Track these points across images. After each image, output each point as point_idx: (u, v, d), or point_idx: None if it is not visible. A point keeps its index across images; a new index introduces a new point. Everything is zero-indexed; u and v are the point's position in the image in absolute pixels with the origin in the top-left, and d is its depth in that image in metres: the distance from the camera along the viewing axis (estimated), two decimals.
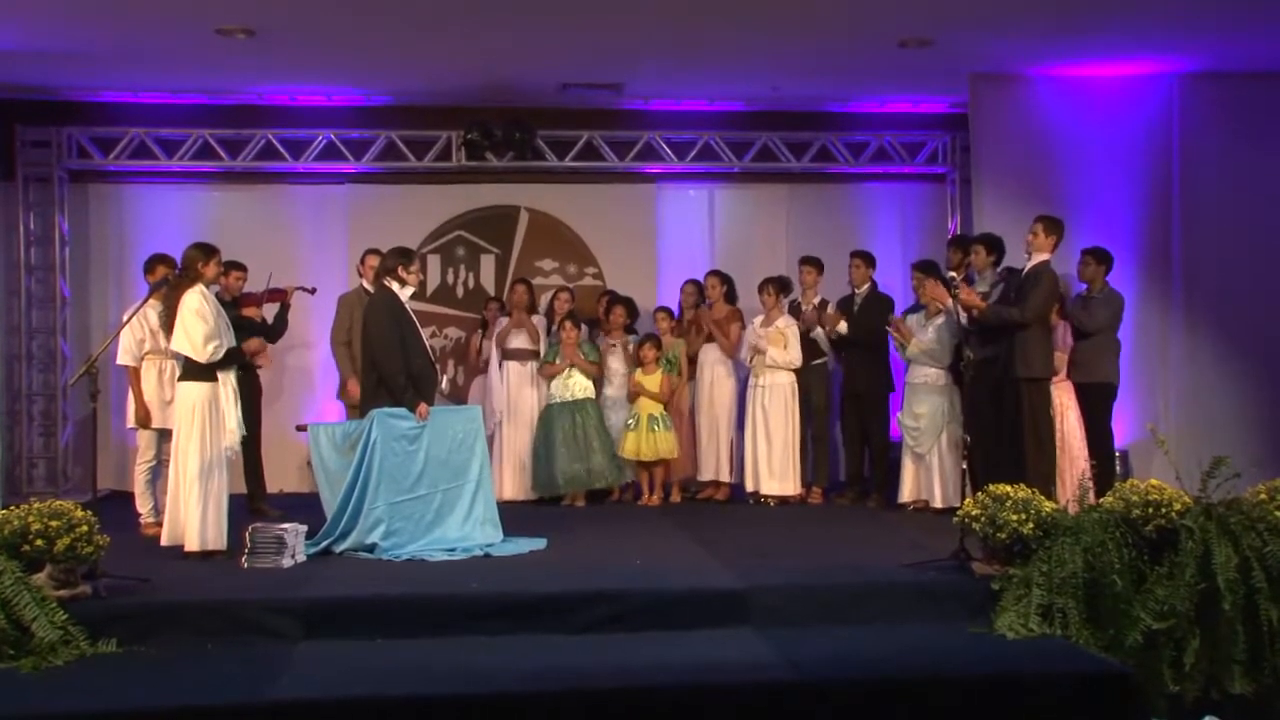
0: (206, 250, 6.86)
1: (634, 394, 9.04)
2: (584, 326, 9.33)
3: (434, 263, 10.35)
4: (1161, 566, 5.58)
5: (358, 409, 7.55)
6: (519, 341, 9.20)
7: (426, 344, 7.39)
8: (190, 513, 6.53)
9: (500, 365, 9.24)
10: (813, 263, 9.13)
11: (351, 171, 10.28)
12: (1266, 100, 9.11)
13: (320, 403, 10.16)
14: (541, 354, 9.19)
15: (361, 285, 8.78)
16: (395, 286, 7.19)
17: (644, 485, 9.11)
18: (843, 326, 8.80)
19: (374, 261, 8.40)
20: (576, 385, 8.98)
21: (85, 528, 5.47)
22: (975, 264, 8.36)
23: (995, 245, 8.35)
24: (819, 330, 8.98)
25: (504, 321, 9.30)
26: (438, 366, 9.89)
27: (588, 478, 8.89)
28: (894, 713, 4.86)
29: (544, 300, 9.98)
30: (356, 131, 10.17)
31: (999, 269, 8.28)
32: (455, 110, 10.13)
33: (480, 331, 9.68)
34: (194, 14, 7.69)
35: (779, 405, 8.85)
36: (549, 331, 9.32)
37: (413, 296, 7.48)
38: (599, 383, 9.19)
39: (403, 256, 7.26)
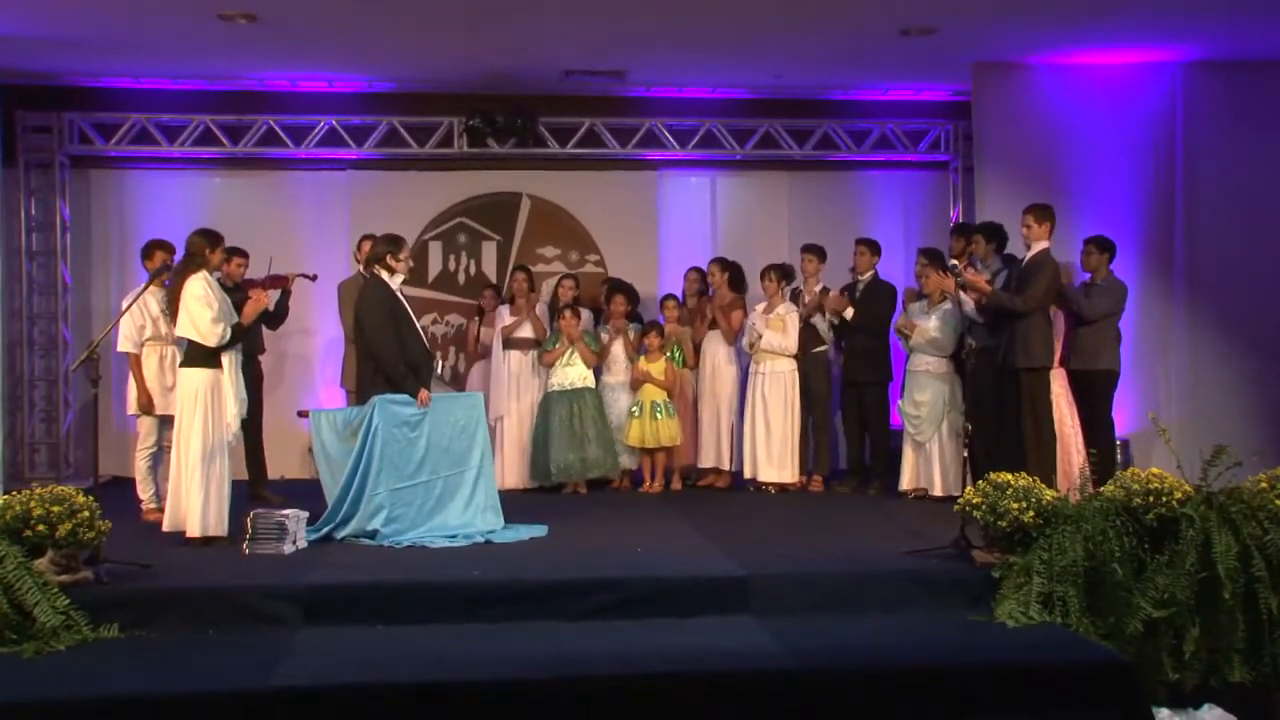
0: (211, 237, 6.86)
1: (638, 381, 9.04)
2: (586, 314, 9.32)
3: (435, 249, 10.35)
4: (1162, 555, 5.58)
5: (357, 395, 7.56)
6: (524, 332, 9.17)
7: (420, 331, 7.37)
8: (192, 499, 6.53)
9: (504, 355, 9.21)
10: (814, 251, 9.12)
11: (353, 158, 10.27)
12: (1269, 89, 9.09)
13: (321, 389, 10.17)
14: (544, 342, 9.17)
15: (359, 271, 8.78)
16: (385, 275, 7.17)
17: (645, 472, 9.12)
18: (849, 312, 8.79)
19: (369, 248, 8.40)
20: (575, 374, 8.97)
21: (87, 513, 5.48)
22: (976, 253, 8.37)
23: (995, 234, 8.35)
24: (818, 317, 8.97)
25: (505, 311, 9.27)
26: (437, 354, 9.94)
27: (581, 467, 8.89)
28: (893, 701, 4.87)
29: (545, 288, 10.00)
30: (358, 118, 10.17)
31: (1001, 256, 8.29)
32: (457, 97, 10.13)
33: (478, 319, 9.67)
34: None
35: (779, 393, 8.85)
36: (552, 320, 9.30)
37: (414, 283, 7.47)
38: (599, 371, 9.18)
39: (391, 244, 7.23)
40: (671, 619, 5.56)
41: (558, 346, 8.99)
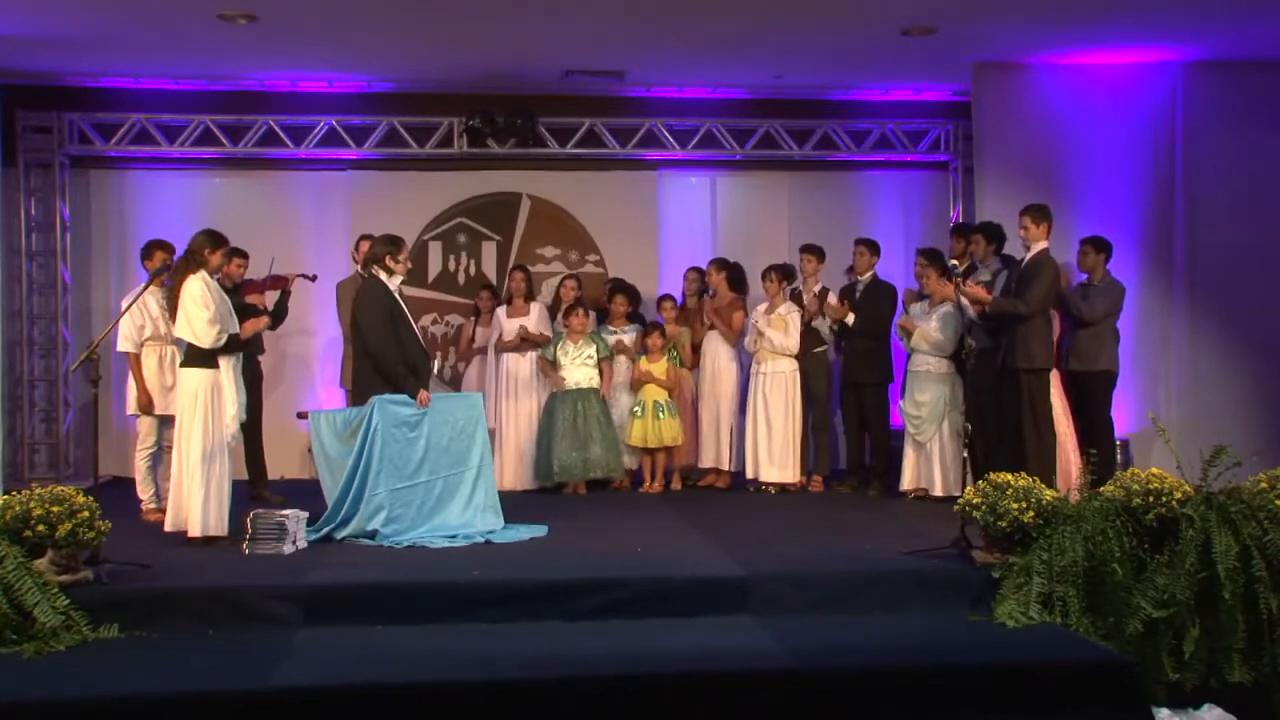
0: (215, 239, 6.85)
1: (640, 381, 9.03)
2: (592, 314, 9.31)
3: (435, 249, 10.35)
4: (1162, 555, 5.57)
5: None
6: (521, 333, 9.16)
7: (418, 332, 7.36)
8: (193, 499, 6.53)
9: (499, 358, 9.21)
10: (813, 251, 9.11)
11: (353, 158, 10.27)
12: (1269, 88, 9.08)
13: (321, 389, 10.17)
14: (549, 339, 9.14)
15: (357, 272, 8.78)
16: (383, 276, 7.16)
17: (646, 472, 9.12)
18: (850, 319, 8.79)
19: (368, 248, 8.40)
20: (582, 374, 8.94)
21: (87, 513, 5.48)
22: (975, 253, 8.37)
23: (994, 234, 8.36)
24: (820, 319, 8.96)
25: (502, 312, 9.23)
26: (437, 354, 9.93)
27: (584, 468, 8.87)
28: (893, 701, 4.87)
29: (544, 287, 10.01)
30: (358, 118, 10.16)
31: (1000, 257, 8.30)
32: (457, 96, 10.13)
33: (473, 319, 9.67)
34: None
35: (780, 393, 8.85)
36: (553, 319, 9.29)
37: (414, 283, 7.46)
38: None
39: (390, 245, 7.21)
40: (671, 619, 5.56)
41: (563, 345, 8.95)
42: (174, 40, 8.68)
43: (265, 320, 7.43)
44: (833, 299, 8.92)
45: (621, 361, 9.22)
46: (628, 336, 9.24)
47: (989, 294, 7.77)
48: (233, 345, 6.70)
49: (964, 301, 8.01)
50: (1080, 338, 8.01)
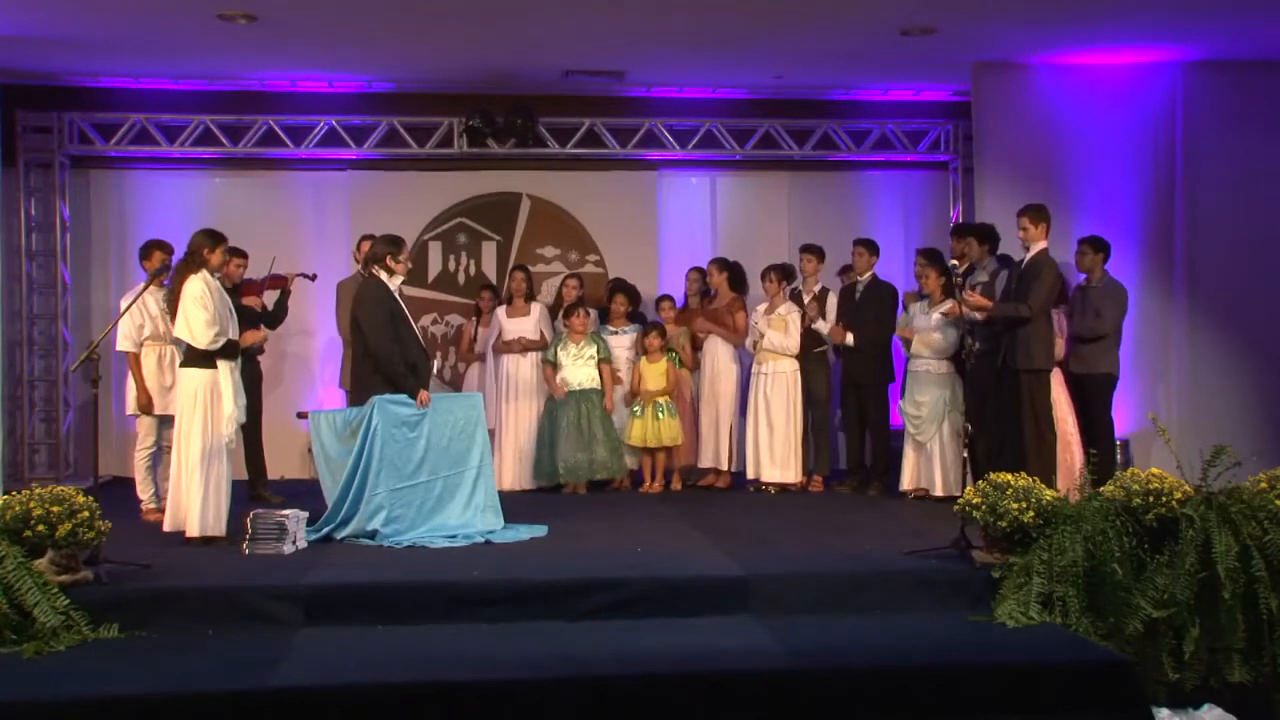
0: (214, 237, 6.85)
1: (639, 382, 9.03)
2: (593, 313, 9.31)
3: (435, 249, 10.36)
4: (1162, 555, 5.57)
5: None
6: (520, 333, 9.15)
7: (417, 332, 7.36)
8: (192, 499, 6.52)
9: (499, 358, 9.21)
10: (813, 251, 9.11)
11: (353, 158, 10.27)
12: (1269, 89, 9.09)
13: (321, 389, 10.18)
14: (548, 340, 9.14)
15: (358, 271, 8.78)
16: (384, 276, 7.16)
17: (646, 472, 9.12)
18: (849, 339, 8.76)
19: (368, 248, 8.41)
20: (584, 375, 8.94)
21: (87, 513, 5.48)
22: (970, 255, 8.36)
23: (988, 235, 8.37)
24: (820, 322, 8.95)
25: (502, 312, 9.23)
26: (437, 354, 9.93)
27: (589, 468, 8.89)
28: (893, 701, 4.87)
29: (545, 287, 10.00)
30: (358, 118, 10.16)
31: (996, 257, 8.30)
32: (457, 97, 10.13)
33: (474, 319, 9.67)
34: None
35: (781, 393, 8.84)
36: (554, 319, 9.30)
37: (414, 283, 7.46)
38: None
39: (391, 245, 7.20)
40: (671, 619, 5.55)
41: (565, 346, 8.96)
42: (174, 40, 8.68)
43: (264, 334, 7.49)
44: (832, 314, 8.88)
45: (621, 368, 9.20)
46: (624, 353, 9.20)
47: (990, 301, 7.76)
48: (229, 351, 6.68)
49: (966, 311, 8.00)
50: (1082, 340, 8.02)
